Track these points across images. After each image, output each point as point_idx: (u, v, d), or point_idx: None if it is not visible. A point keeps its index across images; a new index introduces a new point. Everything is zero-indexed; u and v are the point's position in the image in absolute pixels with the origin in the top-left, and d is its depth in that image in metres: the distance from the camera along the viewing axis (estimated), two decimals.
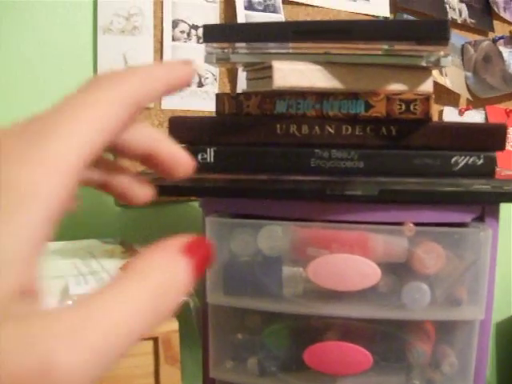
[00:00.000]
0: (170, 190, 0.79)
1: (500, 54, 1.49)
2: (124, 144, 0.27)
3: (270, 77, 0.75)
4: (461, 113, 1.50)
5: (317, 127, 0.78)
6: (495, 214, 0.78)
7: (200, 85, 1.23)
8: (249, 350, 0.83)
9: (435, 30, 0.73)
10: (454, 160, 0.77)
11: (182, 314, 0.83)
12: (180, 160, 0.28)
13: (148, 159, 0.28)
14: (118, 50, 1.15)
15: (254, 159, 0.80)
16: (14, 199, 0.19)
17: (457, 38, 1.48)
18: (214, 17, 1.22)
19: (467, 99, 1.51)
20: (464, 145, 0.78)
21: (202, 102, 1.22)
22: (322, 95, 0.78)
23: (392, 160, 0.78)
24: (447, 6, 1.44)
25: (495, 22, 1.53)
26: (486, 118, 1.53)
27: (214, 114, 0.86)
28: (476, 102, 1.52)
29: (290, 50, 0.77)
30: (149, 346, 0.81)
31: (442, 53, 0.75)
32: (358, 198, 0.74)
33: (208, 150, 0.79)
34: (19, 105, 1.12)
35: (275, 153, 0.79)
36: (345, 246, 0.74)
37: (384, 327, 0.78)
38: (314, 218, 0.77)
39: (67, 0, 1.12)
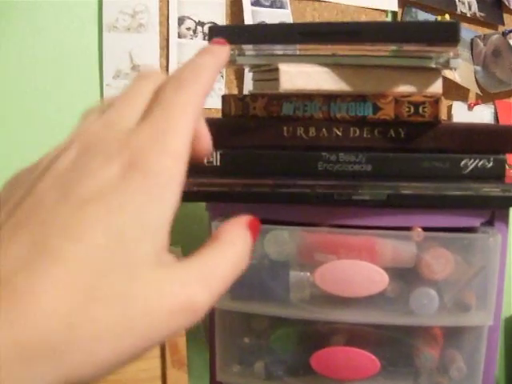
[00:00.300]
0: None
1: (510, 47, 1.47)
2: None
3: (277, 79, 0.74)
4: (470, 107, 1.49)
5: (324, 130, 0.78)
6: (505, 219, 0.77)
7: None
8: (256, 354, 0.83)
9: (445, 32, 0.71)
10: (463, 163, 0.76)
11: None
12: (202, 137, 0.33)
13: None
14: (124, 47, 1.15)
15: (260, 163, 0.79)
16: (160, 181, 0.27)
17: (466, 31, 1.46)
18: (220, 13, 1.21)
19: (476, 94, 1.49)
20: (473, 147, 0.77)
21: (208, 99, 1.20)
22: (329, 97, 0.77)
23: (400, 163, 0.77)
24: (456, 0, 1.43)
25: (505, 16, 1.51)
26: (496, 113, 1.51)
27: (220, 114, 0.85)
28: (485, 97, 1.50)
29: (297, 52, 0.76)
30: (156, 349, 0.81)
31: (451, 54, 0.74)
32: (366, 203, 0.73)
33: (214, 153, 0.79)
34: (23, 104, 1.12)
35: (282, 156, 0.78)
36: (352, 251, 0.73)
37: (391, 332, 0.78)
38: (322, 223, 0.76)
39: None
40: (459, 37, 0.70)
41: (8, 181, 0.30)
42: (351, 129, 0.77)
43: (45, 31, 1.11)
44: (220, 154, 0.79)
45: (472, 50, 1.48)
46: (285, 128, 0.78)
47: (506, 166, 0.80)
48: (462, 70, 1.45)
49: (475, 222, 0.76)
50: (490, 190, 0.74)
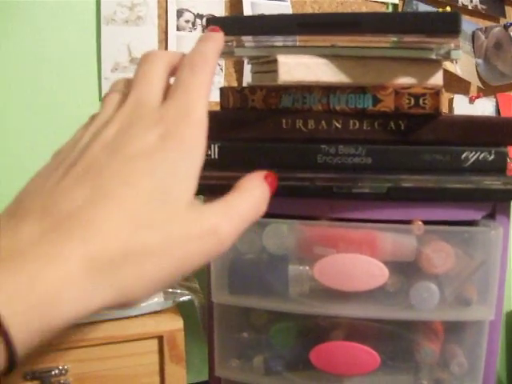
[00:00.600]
0: None
1: (511, 40, 1.46)
2: None
3: (275, 71, 0.73)
4: (471, 100, 1.48)
5: (323, 122, 0.77)
6: (506, 212, 0.76)
7: None
8: (255, 349, 0.82)
9: (446, 23, 0.70)
10: (464, 156, 0.75)
11: (188, 313, 0.83)
12: None
13: None
14: (122, 40, 1.14)
15: (258, 155, 0.78)
16: (189, 144, 0.35)
17: (467, 24, 1.45)
18: (219, 5, 1.20)
19: (478, 87, 1.48)
20: (475, 140, 0.76)
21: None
22: (328, 89, 0.76)
23: (401, 156, 0.76)
24: None
25: (507, 8, 1.50)
26: (497, 106, 1.50)
27: (218, 107, 0.84)
28: (487, 90, 1.49)
29: (296, 44, 0.75)
30: (154, 344, 0.80)
31: (452, 45, 0.73)
32: (366, 196, 0.72)
33: (212, 145, 0.78)
34: (21, 96, 1.11)
35: (281, 149, 0.77)
36: (352, 244, 0.72)
37: (392, 327, 0.77)
38: (321, 216, 0.75)
39: None
40: (460, 28, 0.69)
41: (54, 154, 0.38)
42: (351, 121, 0.76)
43: (43, 25, 1.11)
44: (218, 147, 0.78)
45: (473, 42, 1.47)
46: (284, 120, 0.77)
47: (508, 159, 0.79)
48: (464, 63, 1.44)
49: (476, 215, 0.75)
50: (492, 182, 0.73)
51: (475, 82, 1.47)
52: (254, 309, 0.81)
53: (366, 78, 0.75)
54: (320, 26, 0.73)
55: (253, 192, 0.39)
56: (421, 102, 0.74)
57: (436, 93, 0.74)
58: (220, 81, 1.21)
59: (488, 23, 1.49)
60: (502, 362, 1.64)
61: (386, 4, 1.36)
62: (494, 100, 1.50)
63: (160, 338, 0.79)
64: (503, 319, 1.62)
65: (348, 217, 0.74)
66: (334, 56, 0.74)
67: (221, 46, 0.41)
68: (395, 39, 0.74)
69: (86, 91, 1.13)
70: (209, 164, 0.78)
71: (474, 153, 0.75)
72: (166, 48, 1.17)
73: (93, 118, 0.39)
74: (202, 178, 0.77)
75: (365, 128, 0.76)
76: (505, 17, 1.50)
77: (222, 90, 0.83)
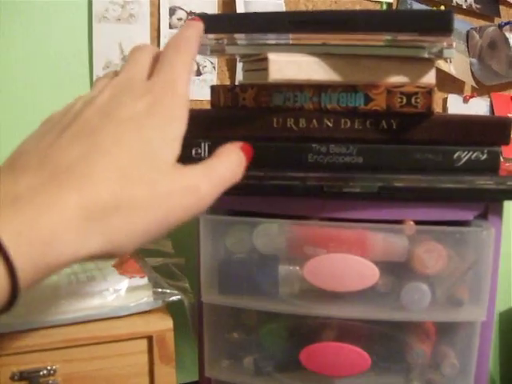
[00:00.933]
0: None
1: (506, 40, 1.45)
2: None
3: (266, 69, 0.72)
4: (465, 100, 1.47)
5: (315, 121, 0.76)
6: (499, 212, 0.75)
7: (198, 73, 1.20)
8: (245, 349, 0.82)
9: (439, 21, 0.69)
10: (456, 155, 0.75)
11: (178, 313, 0.82)
12: None
13: None
14: (114, 38, 1.13)
15: None
16: (172, 113, 0.40)
17: (462, 23, 1.45)
18: (211, 3, 1.19)
19: (472, 86, 1.48)
20: (467, 139, 0.75)
21: (200, 90, 1.19)
22: (319, 88, 0.75)
23: (392, 155, 0.75)
24: None
25: (501, 8, 1.50)
26: (491, 106, 1.50)
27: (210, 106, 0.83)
28: (481, 90, 1.49)
29: (287, 41, 0.74)
30: (143, 344, 0.79)
31: (444, 44, 0.72)
32: (357, 196, 0.71)
33: (202, 144, 0.77)
34: (12, 94, 1.10)
35: (271, 147, 0.77)
36: (343, 244, 0.72)
37: (383, 328, 0.76)
38: (312, 216, 0.75)
39: None
40: (452, 26, 0.68)
41: (44, 121, 0.42)
42: (342, 120, 0.75)
43: (34, 22, 1.10)
44: (208, 146, 0.77)
45: (468, 42, 1.46)
46: (274, 119, 0.77)
47: (501, 159, 0.78)
48: (458, 63, 1.43)
49: (468, 215, 0.75)
50: (484, 182, 0.73)
51: (469, 82, 1.47)
52: (244, 309, 0.81)
53: (357, 76, 0.75)
54: (311, 24, 0.72)
55: (229, 157, 0.44)
56: (413, 100, 0.73)
57: (428, 92, 0.73)
58: (213, 79, 1.21)
59: (482, 23, 1.48)
60: (495, 362, 1.64)
61: (381, 3, 1.35)
62: (489, 100, 1.50)
63: (149, 338, 0.78)
64: (496, 319, 1.62)
65: (339, 216, 0.74)
66: (326, 54, 0.74)
67: (201, 33, 0.47)
68: (387, 37, 0.73)
69: (77, 89, 1.12)
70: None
71: (466, 152, 0.75)
72: (159, 46, 1.16)
73: (79, 98, 0.43)
74: None
75: (356, 127, 0.75)
76: (499, 16, 1.49)
77: (212, 88, 0.82)
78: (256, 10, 1.19)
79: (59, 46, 1.12)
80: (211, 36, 0.75)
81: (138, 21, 1.14)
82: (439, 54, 0.73)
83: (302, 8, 1.25)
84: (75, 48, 1.13)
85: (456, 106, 1.44)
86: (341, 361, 0.76)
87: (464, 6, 1.43)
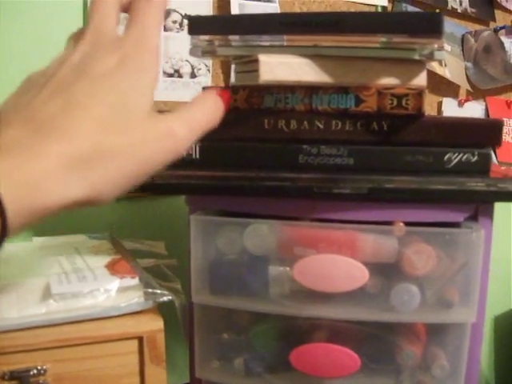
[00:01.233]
0: (154, 187, 0.77)
1: (501, 44, 1.46)
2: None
3: (257, 70, 0.73)
4: (460, 104, 1.48)
5: (306, 122, 0.76)
6: (489, 214, 0.75)
7: (193, 76, 1.20)
8: (235, 350, 0.81)
9: (429, 23, 0.70)
10: (447, 157, 0.75)
11: (170, 314, 0.82)
12: None
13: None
14: None
15: (240, 155, 0.77)
16: (143, 66, 0.41)
17: (457, 27, 1.45)
18: (206, 6, 1.19)
19: (467, 90, 1.48)
20: (458, 141, 0.75)
21: (195, 93, 1.19)
22: (311, 89, 0.75)
23: (383, 156, 0.75)
24: None
25: (496, 12, 1.50)
26: (487, 110, 1.50)
27: None
28: (476, 93, 1.49)
29: (278, 43, 0.75)
30: (134, 345, 0.79)
31: (435, 46, 0.73)
32: (347, 197, 0.72)
33: (193, 146, 0.77)
34: (8, 94, 1.10)
35: (263, 149, 0.77)
36: (332, 245, 0.72)
37: (372, 329, 0.76)
38: (302, 217, 0.75)
39: None
40: (442, 28, 0.69)
41: (23, 81, 0.43)
42: (333, 121, 0.76)
43: (29, 22, 1.10)
44: (199, 147, 0.77)
45: (463, 46, 1.47)
46: (266, 120, 0.77)
47: (496, 162, 0.79)
48: (453, 66, 1.43)
49: (459, 217, 0.75)
50: (475, 184, 0.73)
51: (464, 86, 1.47)
52: (235, 310, 0.81)
53: (348, 78, 0.75)
54: (302, 26, 0.72)
55: (206, 103, 0.45)
56: (403, 102, 0.74)
57: (419, 93, 0.73)
58: (207, 82, 1.21)
59: (478, 27, 1.49)
60: (490, 367, 1.64)
61: (376, 6, 1.36)
62: (484, 104, 1.50)
63: (140, 339, 0.78)
64: (492, 323, 1.62)
65: (329, 217, 0.74)
66: (317, 56, 0.74)
67: None
68: (378, 39, 0.73)
69: None
70: (190, 164, 0.77)
71: (457, 154, 0.75)
72: None
73: (55, 58, 0.44)
74: (184, 177, 0.77)
75: (347, 128, 0.76)
76: (494, 20, 1.50)
77: (204, 89, 0.82)
78: (250, 12, 1.19)
79: (54, 45, 1.12)
80: (203, 37, 0.75)
81: None
82: (430, 56, 0.73)
83: (297, 10, 1.26)
84: None
85: (451, 109, 1.45)
86: (330, 362, 0.76)
87: (459, 10, 1.44)
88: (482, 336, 0.77)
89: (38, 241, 0.96)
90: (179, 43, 1.17)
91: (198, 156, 0.77)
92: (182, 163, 0.76)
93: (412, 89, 0.74)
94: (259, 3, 1.21)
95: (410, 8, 1.37)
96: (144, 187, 0.77)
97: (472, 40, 1.46)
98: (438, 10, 1.38)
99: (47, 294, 0.74)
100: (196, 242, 0.77)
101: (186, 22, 1.17)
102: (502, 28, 1.47)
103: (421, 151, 0.75)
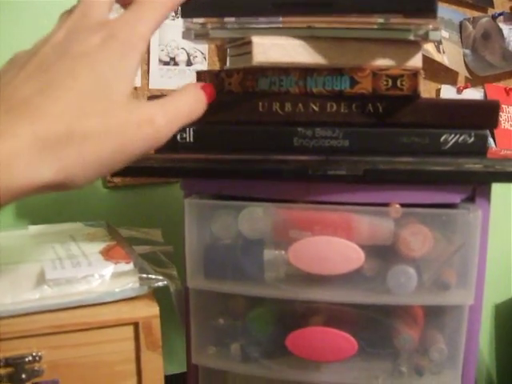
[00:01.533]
0: (148, 170, 0.76)
1: (500, 30, 1.45)
2: None
3: (250, 52, 0.72)
4: (459, 91, 1.47)
5: (300, 105, 0.75)
6: (486, 195, 0.75)
7: (189, 63, 1.20)
8: (231, 336, 0.81)
9: (422, 2, 0.69)
10: (443, 138, 0.74)
11: (167, 300, 0.82)
12: None
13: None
14: None
15: (234, 138, 0.77)
16: (126, 49, 0.39)
17: (455, 14, 1.44)
18: None
19: (466, 77, 1.47)
20: (454, 122, 0.74)
21: (191, 81, 1.18)
22: (305, 71, 0.75)
23: (378, 138, 0.75)
24: None
25: None
26: (485, 97, 1.49)
27: None
28: (475, 80, 1.48)
29: (272, 25, 0.74)
30: (129, 331, 0.79)
31: (430, 26, 0.72)
32: (342, 178, 0.71)
33: (187, 129, 0.77)
34: None
35: (257, 132, 0.76)
36: (328, 228, 0.71)
37: (369, 312, 0.76)
38: (297, 199, 0.74)
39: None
40: (435, 6, 0.68)
41: (9, 60, 0.42)
42: (328, 104, 0.75)
43: (30, 22, 1.10)
44: (193, 130, 0.77)
45: (461, 32, 1.46)
46: (260, 103, 0.76)
47: (494, 147, 0.78)
48: (451, 53, 1.43)
49: (455, 198, 0.74)
50: (472, 165, 0.72)
51: (463, 73, 1.46)
52: (231, 295, 0.80)
53: (343, 59, 0.74)
54: (295, 6, 0.72)
55: (188, 94, 0.44)
56: (398, 83, 0.73)
57: (414, 74, 0.73)
58: (203, 69, 1.20)
59: (476, 13, 1.48)
60: (491, 355, 1.64)
61: None
62: (482, 90, 1.49)
63: (135, 325, 0.78)
64: (492, 311, 1.62)
65: (324, 200, 0.73)
66: (311, 37, 0.73)
67: None
68: (373, 20, 0.73)
69: None
70: (184, 147, 0.77)
71: (453, 135, 0.74)
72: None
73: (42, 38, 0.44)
74: (178, 160, 0.77)
75: (342, 111, 0.75)
76: (493, 7, 1.49)
77: (198, 73, 0.82)
78: None
79: None
80: (196, 20, 0.74)
81: None
82: (425, 37, 0.73)
83: None
84: None
85: (449, 96, 1.44)
86: (327, 346, 0.75)
87: None
88: (480, 319, 0.77)
89: (34, 229, 0.95)
90: (175, 31, 1.17)
91: (192, 139, 0.77)
92: (177, 146, 0.76)
93: (407, 70, 0.73)
94: None
95: None
96: (138, 171, 0.77)
97: (470, 27, 1.45)
98: None
99: (41, 279, 0.73)
100: (191, 226, 0.77)
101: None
102: (500, 14, 1.45)
103: (417, 133, 0.74)
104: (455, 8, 1.44)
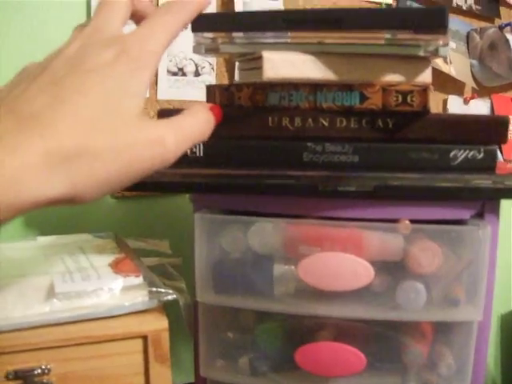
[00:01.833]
0: (158, 185, 0.76)
1: (506, 41, 1.45)
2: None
3: (260, 67, 0.72)
4: (466, 101, 1.47)
5: (310, 120, 0.76)
6: (495, 211, 0.75)
7: (197, 74, 1.20)
8: (240, 349, 0.81)
9: (433, 19, 0.69)
10: (452, 154, 0.74)
11: (176, 313, 0.82)
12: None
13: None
14: None
15: (244, 153, 0.77)
16: (137, 66, 0.39)
17: (462, 24, 1.44)
18: (210, 4, 1.19)
19: (472, 88, 1.47)
20: (463, 138, 0.75)
21: (199, 91, 1.19)
22: (315, 86, 0.75)
23: (388, 154, 0.75)
24: None
25: (501, 9, 1.50)
26: (492, 107, 1.49)
27: None
28: (481, 91, 1.48)
29: (282, 40, 0.74)
30: (138, 344, 0.79)
31: (440, 42, 0.72)
32: (352, 194, 0.71)
33: (198, 144, 0.77)
34: None
35: (267, 147, 0.76)
36: (337, 243, 0.71)
37: (378, 328, 0.76)
38: (307, 215, 0.74)
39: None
40: (447, 23, 0.68)
41: (20, 71, 0.43)
42: (338, 119, 0.75)
43: (32, 21, 1.10)
44: (203, 145, 0.77)
45: (468, 43, 1.46)
46: (270, 118, 0.76)
47: (502, 160, 0.78)
48: (458, 64, 1.43)
49: (465, 214, 0.74)
50: (481, 181, 0.72)
51: (470, 83, 1.46)
52: (240, 309, 0.80)
53: (353, 75, 0.75)
54: (306, 23, 0.72)
55: (197, 115, 0.44)
56: (408, 99, 0.73)
57: (424, 90, 0.73)
58: (211, 80, 1.20)
59: (483, 24, 1.48)
60: (496, 365, 1.63)
61: (380, 4, 1.35)
62: (489, 101, 1.49)
63: (144, 338, 0.78)
64: (497, 322, 1.61)
65: (334, 215, 0.73)
66: (321, 53, 0.74)
67: (202, 8, 0.48)
68: (383, 36, 0.73)
69: None
70: (194, 162, 0.77)
71: (462, 151, 0.74)
72: None
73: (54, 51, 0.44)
74: (188, 175, 0.77)
75: (352, 126, 0.75)
76: (500, 17, 1.49)
77: (208, 87, 0.82)
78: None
79: (57, 44, 1.12)
80: (206, 35, 0.74)
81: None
82: (435, 52, 0.73)
83: (301, 8, 1.25)
84: None
85: (456, 107, 1.44)
86: (336, 361, 0.75)
87: (464, 8, 1.43)
88: (488, 334, 0.77)
89: (42, 240, 0.96)
90: (183, 42, 1.17)
91: (202, 154, 0.77)
92: (187, 161, 0.76)
93: (417, 85, 0.73)
94: (263, 0, 1.20)
95: (415, 6, 1.37)
96: (148, 185, 0.77)
97: (477, 37, 1.45)
98: None
99: (51, 292, 0.73)
100: (200, 240, 0.77)
101: None
102: (507, 25, 1.46)
103: (426, 148, 0.74)
104: (462, 18, 1.45)
